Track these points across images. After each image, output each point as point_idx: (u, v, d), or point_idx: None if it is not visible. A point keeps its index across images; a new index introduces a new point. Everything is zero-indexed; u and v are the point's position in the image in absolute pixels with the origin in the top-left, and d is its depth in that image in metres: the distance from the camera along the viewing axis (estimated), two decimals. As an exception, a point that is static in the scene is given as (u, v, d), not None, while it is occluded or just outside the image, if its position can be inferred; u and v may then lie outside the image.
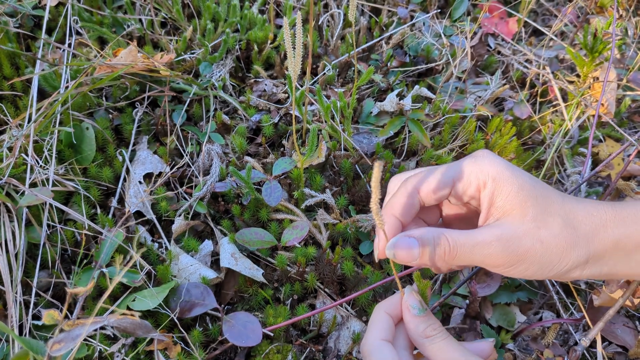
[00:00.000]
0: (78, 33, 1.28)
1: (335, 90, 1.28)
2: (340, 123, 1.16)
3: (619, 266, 0.66)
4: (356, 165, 1.15)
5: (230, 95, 1.33)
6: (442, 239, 0.64)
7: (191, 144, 1.23)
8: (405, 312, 0.71)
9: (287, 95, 1.30)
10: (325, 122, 1.15)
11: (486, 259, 0.64)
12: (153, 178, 1.16)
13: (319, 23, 1.39)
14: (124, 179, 1.14)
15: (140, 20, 1.34)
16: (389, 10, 1.47)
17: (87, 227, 1.01)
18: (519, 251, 0.63)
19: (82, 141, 1.11)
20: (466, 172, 0.67)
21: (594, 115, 1.29)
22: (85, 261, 1.00)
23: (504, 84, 1.36)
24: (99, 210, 1.07)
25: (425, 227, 0.67)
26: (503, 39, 1.50)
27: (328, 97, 1.29)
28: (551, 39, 1.46)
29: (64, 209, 0.97)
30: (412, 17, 1.43)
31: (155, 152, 1.18)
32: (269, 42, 1.33)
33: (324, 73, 1.31)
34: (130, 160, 1.16)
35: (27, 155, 1.02)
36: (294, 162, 1.09)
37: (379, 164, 0.53)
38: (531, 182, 0.65)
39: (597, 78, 1.34)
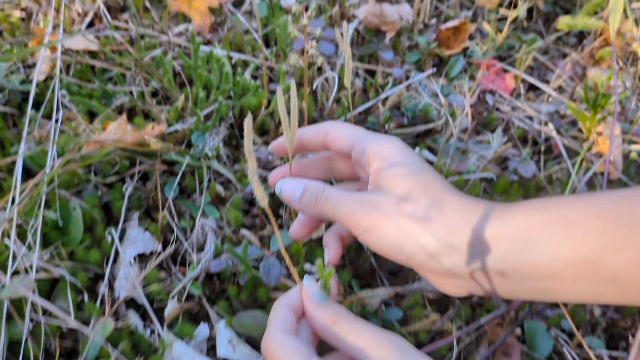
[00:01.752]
0: (66, 107, 1.24)
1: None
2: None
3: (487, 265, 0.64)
4: (358, 236, 1.09)
5: (225, 164, 1.28)
6: (319, 189, 0.72)
7: (184, 219, 1.17)
8: (307, 304, 0.70)
9: (283, 161, 1.26)
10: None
11: (347, 214, 0.68)
12: (145, 257, 1.10)
13: (314, 87, 1.36)
14: (114, 261, 1.08)
15: (130, 91, 1.31)
16: (384, 71, 1.44)
17: (73, 317, 0.94)
18: (374, 213, 0.66)
19: (69, 222, 1.06)
20: (365, 140, 0.74)
21: (602, 173, 1.24)
22: (72, 356, 0.93)
23: (506, 143, 1.33)
24: (86, 298, 1.01)
25: (315, 180, 0.75)
26: (501, 95, 1.47)
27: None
28: (548, 95, 1.43)
29: (46, 306, 0.91)
30: (407, 77, 1.40)
31: (146, 230, 1.12)
32: (263, 108, 1.30)
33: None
34: (120, 240, 1.11)
35: (9, 239, 0.97)
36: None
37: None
38: (415, 163, 0.70)
39: (601, 133, 1.31)
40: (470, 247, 0.64)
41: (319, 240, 1.09)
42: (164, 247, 1.14)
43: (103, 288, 1.03)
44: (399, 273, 1.10)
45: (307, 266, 1.00)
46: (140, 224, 1.14)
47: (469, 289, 0.68)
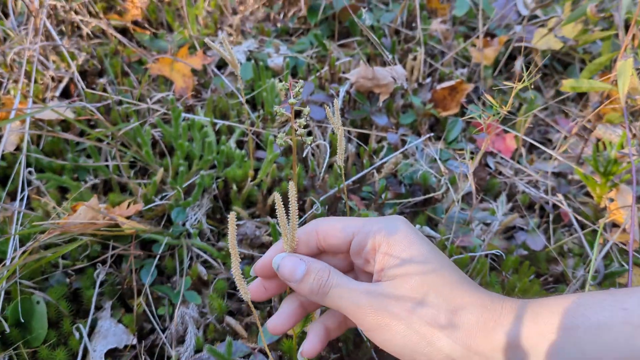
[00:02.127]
0: (34, 184, 1.14)
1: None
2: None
3: None
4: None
5: (208, 240, 1.18)
6: (324, 272, 0.65)
7: (163, 305, 1.06)
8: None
9: (271, 237, 1.16)
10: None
11: (353, 308, 0.62)
12: (118, 352, 0.98)
13: (304, 155, 1.28)
14: (83, 359, 0.96)
15: (106, 165, 1.22)
16: (378, 135, 1.36)
17: None
18: (383, 315, 0.60)
19: (31, 318, 0.94)
20: (366, 230, 0.66)
21: (622, 244, 1.15)
22: None
23: (512, 211, 1.23)
24: (49, 406, 0.89)
25: (317, 260, 0.67)
26: (502, 157, 1.39)
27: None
28: (556, 158, 1.35)
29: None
30: (403, 142, 1.32)
31: (119, 321, 1.01)
32: (250, 178, 1.20)
33: (312, 211, 1.17)
34: (90, 334, 0.99)
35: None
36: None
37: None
38: (429, 254, 0.63)
39: (613, 199, 1.22)
40: (487, 356, 0.57)
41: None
42: (140, 339, 1.02)
43: (68, 394, 0.91)
44: (402, 365, 0.99)
45: (299, 365, 0.89)
46: (113, 315, 1.02)
47: None
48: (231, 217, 0.59)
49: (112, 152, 1.22)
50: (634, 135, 1.05)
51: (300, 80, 0.87)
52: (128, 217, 1.07)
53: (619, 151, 1.08)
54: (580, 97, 1.67)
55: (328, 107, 0.87)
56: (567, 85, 1.14)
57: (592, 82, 1.10)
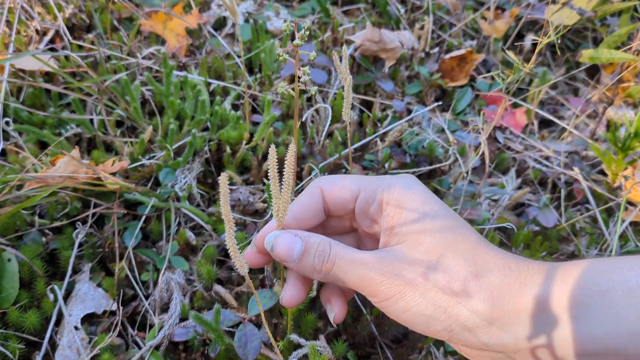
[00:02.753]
0: (15, 136, 1.06)
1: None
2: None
3: (533, 337, 0.51)
4: (355, 296, 0.91)
5: (198, 205, 1.10)
6: (325, 246, 0.57)
7: (147, 271, 0.98)
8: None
9: (266, 204, 1.08)
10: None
11: (362, 281, 0.55)
12: (96, 318, 0.91)
13: (303, 119, 1.20)
14: (56, 324, 0.88)
15: (91, 120, 1.13)
16: (382, 103, 1.28)
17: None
18: (396, 282, 0.53)
19: (2, 277, 0.86)
20: (374, 186, 0.60)
21: (634, 223, 1.09)
22: None
23: (522, 187, 1.16)
24: (17, 372, 0.81)
25: (314, 233, 0.59)
26: (512, 132, 1.32)
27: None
28: (567, 135, 1.28)
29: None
30: (409, 112, 1.25)
31: (99, 285, 0.93)
32: (244, 142, 1.12)
33: (310, 177, 1.09)
34: (67, 298, 0.91)
35: None
36: (277, 296, 0.85)
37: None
38: (442, 212, 0.57)
39: (628, 177, 1.15)
40: (512, 320, 0.52)
41: (310, 304, 0.90)
42: (121, 306, 0.94)
43: (40, 359, 0.83)
44: (404, 341, 0.92)
45: (294, 337, 0.81)
46: (93, 278, 0.95)
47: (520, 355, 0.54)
48: (223, 178, 0.49)
49: (97, 108, 1.14)
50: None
51: (306, 21, 0.79)
52: (113, 175, 0.99)
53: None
54: (591, 77, 1.61)
55: (335, 56, 0.79)
56: (586, 55, 1.06)
57: (612, 52, 1.02)
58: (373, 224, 0.63)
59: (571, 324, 0.50)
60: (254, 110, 1.26)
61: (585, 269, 0.51)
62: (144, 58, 1.24)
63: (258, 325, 0.91)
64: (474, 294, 0.52)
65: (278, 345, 0.81)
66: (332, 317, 0.66)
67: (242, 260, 0.54)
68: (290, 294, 0.64)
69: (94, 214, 0.98)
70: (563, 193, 1.14)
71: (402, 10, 1.53)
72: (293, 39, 1.54)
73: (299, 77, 0.81)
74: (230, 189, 1.10)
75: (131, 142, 1.10)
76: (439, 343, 0.88)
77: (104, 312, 0.91)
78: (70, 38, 1.22)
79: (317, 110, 1.24)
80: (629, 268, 0.50)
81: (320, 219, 0.65)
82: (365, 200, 0.61)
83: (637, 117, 1.07)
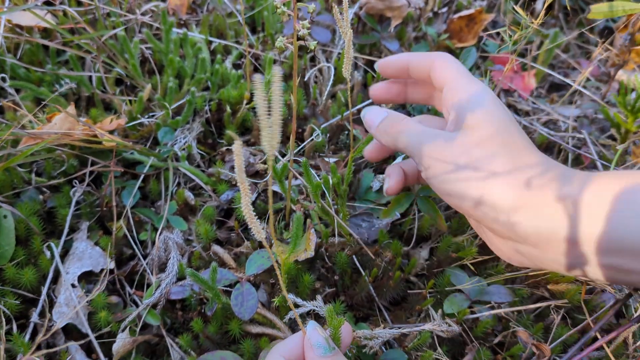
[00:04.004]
0: (10, 94, 1.04)
1: (326, 160, 1.05)
2: (334, 202, 0.92)
3: (560, 229, 0.55)
4: (354, 258, 0.90)
5: (198, 166, 1.09)
6: (399, 117, 0.71)
7: (145, 230, 0.97)
8: (308, 353, 0.61)
9: (266, 165, 1.06)
10: (315, 202, 0.91)
11: (416, 147, 0.65)
12: (94, 277, 0.90)
13: (305, 79, 1.17)
14: (53, 281, 0.88)
15: (89, 78, 1.11)
16: (387, 64, 1.25)
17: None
18: (444, 153, 0.61)
19: (-2, 233, 0.86)
20: (423, 64, 0.74)
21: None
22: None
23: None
24: (15, 328, 0.81)
25: (401, 113, 0.72)
26: (520, 96, 1.28)
27: (318, 168, 1.05)
28: (578, 94, 1.25)
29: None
30: (414, 72, 1.21)
31: (96, 244, 0.92)
32: (245, 102, 1.10)
33: (312, 139, 1.07)
34: (64, 255, 0.91)
35: None
36: (272, 258, 0.84)
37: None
38: (502, 114, 0.63)
39: (637, 142, 1.12)
40: (540, 208, 0.56)
41: (308, 264, 0.89)
42: (118, 264, 0.94)
43: (36, 315, 0.83)
44: (403, 304, 0.91)
45: (291, 297, 0.80)
46: (90, 237, 0.94)
47: (530, 258, 0.61)
48: (237, 146, 0.49)
49: (96, 66, 1.11)
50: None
51: None
52: (110, 133, 0.97)
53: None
54: (604, 41, 1.56)
55: (336, 10, 0.76)
56: (596, 11, 1.02)
57: (627, 3, 0.98)
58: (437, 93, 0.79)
59: (598, 222, 0.53)
60: (256, 70, 1.23)
61: (619, 175, 0.55)
62: (143, 14, 1.21)
63: (256, 285, 0.91)
64: (509, 174, 0.58)
65: (273, 302, 0.81)
66: (386, 187, 0.81)
67: (258, 227, 0.53)
68: (370, 148, 0.84)
69: (91, 173, 0.97)
70: (570, 157, 1.12)
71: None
72: (297, -2, 1.49)
73: (299, 31, 0.78)
74: (230, 149, 1.08)
75: (130, 100, 1.08)
76: (437, 305, 0.87)
77: (102, 270, 0.90)
78: (68, -7, 1.19)
79: (320, 70, 1.21)
80: None
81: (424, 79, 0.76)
82: (418, 71, 0.76)
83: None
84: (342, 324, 0.61)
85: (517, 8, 0.79)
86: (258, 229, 0.54)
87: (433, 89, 0.80)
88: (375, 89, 0.84)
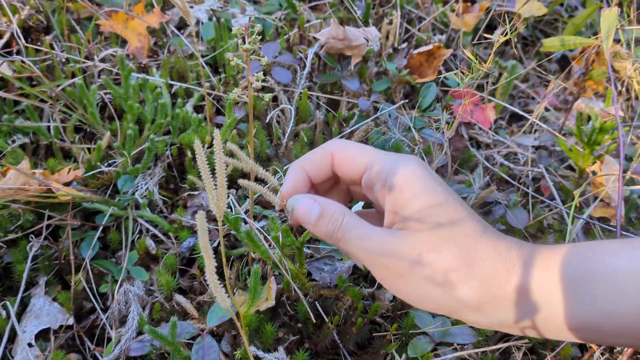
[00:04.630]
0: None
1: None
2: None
3: (518, 318, 0.56)
4: (317, 304, 0.89)
5: (161, 212, 1.08)
6: (339, 216, 0.62)
7: (106, 282, 0.96)
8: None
9: (230, 209, 1.06)
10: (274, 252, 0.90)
11: (365, 258, 0.60)
12: (53, 334, 0.88)
13: (267, 120, 1.17)
14: (10, 341, 0.85)
15: (48, 127, 1.10)
16: (349, 102, 1.26)
17: None
18: (397, 265, 0.58)
19: (-50, 294, 0.84)
20: (380, 167, 0.62)
21: (600, 219, 1.08)
22: None
23: (490, 185, 1.15)
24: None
25: (333, 201, 0.63)
26: (481, 129, 1.30)
27: (282, 210, 1.04)
28: (535, 129, 1.27)
29: None
30: (375, 109, 1.23)
31: (55, 299, 0.90)
32: (207, 145, 1.10)
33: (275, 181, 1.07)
34: (21, 313, 0.88)
35: None
36: (228, 300, 0.83)
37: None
38: (446, 202, 0.59)
39: (595, 172, 1.14)
40: (498, 306, 0.57)
41: (271, 312, 0.89)
42: (78, 319, 0.92)
43: (-9, 380, 0.81)
44: (369, 347, 0.91)
45: (252, 350, 0.79)
46: (49, 292, 0.92)
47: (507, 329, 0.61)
48: (200, 216, 0.49)
49: (54, 115, 1.10)
50: (620, 93, 0.97)
51: (257, 25, 0.77)
52: (67, 184, 0.96)
53: (604, 110, 0.99)
54: (562, 69, 1.59)
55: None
56: (550, 44, 1.05)
57: (577, 38, 1.01)
58: (377, 199, 0.66)
59: (552, 308, 0.54)
60: (218, 112, 1.23)
61: (567, 256, 0.55)
62: (102, 60, 1.21)
63: (219, 335, 0.89)
64: (464, 283, 0.57)
65: (235, 356, 0.80)
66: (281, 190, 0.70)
67: (224, 295, 0.52)
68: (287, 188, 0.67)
69: (48, 226, 0.96)
70: (531, 190, 1.13)
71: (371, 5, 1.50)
72: (261, 39, 1.51)
73: (252, 83, 0.78)
74: (192, 195, 1.08)
75: (89, 148, 1.07)
76: (402, 348, 0.86)
77: (61, 327, 0.89)
78: (24, 41, 1.18)
79: (282, 111, 1.22)
80: (607, 255, 0.54)
81: (329, 177, 0.68)
82: (370, 180, 0.64)
83: (606, 104, 1.06)
84: None
85: (466, 52, 0.80)
86: (222, 297, 0.54)
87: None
88: None
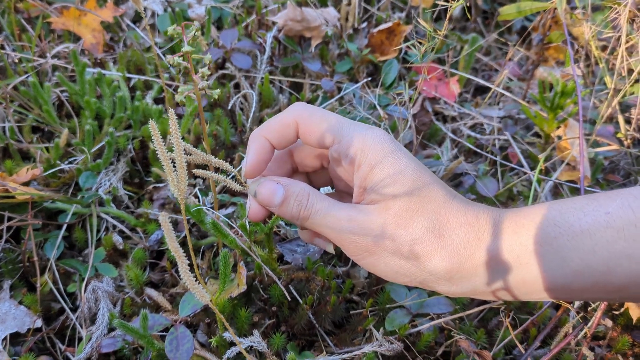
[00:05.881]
0: None
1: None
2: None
3: (491, 284, 0.57)
4: (290, 287, 0.88)
5: (127, 207, 1.05)
6: (304, 196, 0.61)
7: (74, 282, 0.93)
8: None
9: (196, 198, 1.04)
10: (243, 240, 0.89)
11: (333, 235, 0.60)
12: (22, 337, 0.86)
13: (229, 107, 1.15)
14: (-25, 348, 0.83)
15: (3, 128, 1.06)
16: (312, 84, 1.25)
17: None
18: (365, 241, 0.58)
19: None
20: (346, 141, 0.60)
21: (567, 181, 1.08)
22: None
23: (458, 157, 1.15)
24: None
25: (296, 180, 0.63)
26: (446, 102, 1.30)
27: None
28: (500, 99, 1.27)
29: None
30: (339, 89, 1.21)
31: (21, 302, 0.88)
32: (169, 136, 1.07)
33: (241, 167, 1.05)
34: (-14, 319, 0.86)
35: None
36: (207, 296, 0.81)
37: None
38: (410, 172, 0.58)
39: (561, 136, 1.15)
40: (471, 274, 0.57)
41: (245, 298, 0.87)
42: (48, 321, 0.90)
43: (-42, 389, 0.78)
44: (346, 325, 0.90)
45: (226, 334, 0.78)
46: (14, 296, 0.89)
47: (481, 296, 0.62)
48: (162, 218, 0.48)
49: (9, 116, 1.07)
50: (579, 59, 0.98)
51: (195, 23, 0.74)
52: (26, 184, 0.93)
53: (563, 70, 1.00)
54: (523, 40, 1.60)
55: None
56: (507, 12, 1.05)
57: (534, 2, 1.01)
58: (346, 173, 0.65)
59: (522, 270, 0.55)
60: (178, 104, 1.21)
61: (534, 219, 0.56)
62: (54, 57, 1.17)
63: (194, 325, 0.88)
64: (435, 255, 0.57)
65: (211, 343, 0.78)
66: (330, 247, 0.68)
67: (201, 291, 0.51)
68: (254, 209, 0.66)
69: (9, 228, 0.93)
70: (499, 158, 1.13)
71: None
72: (218, 27, 1.48)
73: (198, 83, 0.75)
74: (157, 187, 1.05)
75: (47, 148, 1.04)
76: (380, 323, 0.86)
77: (29, 330, 0.86)
78: (-27, 43, 1.14)
79: (244, 97, 1.20)
80: (573, 213, 0.54)
81: (293, 143, 0.66)
82: (337, 153, 0.62)
83: (566, 63, 1.06)
84: None
85: (421, 20, 0.79)
86: (201, 293, 0.53)
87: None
88: None
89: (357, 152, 0.59)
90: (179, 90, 0.72)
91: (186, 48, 0.70)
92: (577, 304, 0.85)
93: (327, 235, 0.61)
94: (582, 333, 0.79)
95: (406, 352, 0.85)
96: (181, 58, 0.71)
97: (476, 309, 0.88)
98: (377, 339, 0.81)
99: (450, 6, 0.79)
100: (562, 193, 1.07)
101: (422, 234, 0.57)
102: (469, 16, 1.50)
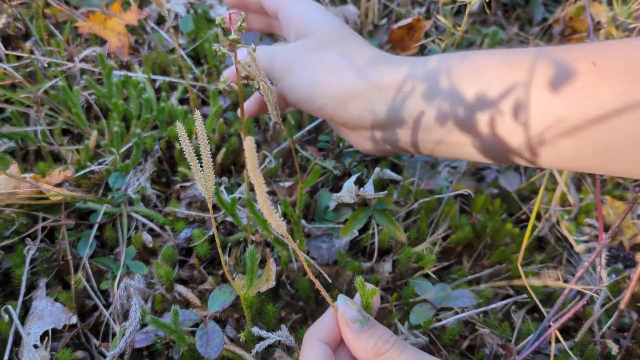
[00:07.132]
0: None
1: (281, 185, 1.05)
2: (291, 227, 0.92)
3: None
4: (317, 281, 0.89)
5: (155, 206, 1.08)
6: (267, 50, 0.77)
7: (106, 279, 0.96)
8: (344, 331, 0.59)
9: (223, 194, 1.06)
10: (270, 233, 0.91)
11: (267, 61, 0.75)
12: (58, 333, 0.89)
13: (253, 106, 1.17)
14: (15, 344, 0.86)
15: (35, 132, 1.10)
16: (333, 81, 1.26)
17: None
18: (288, 58, 0.73)
19: (-49, 303, 0.84)
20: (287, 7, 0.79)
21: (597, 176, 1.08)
22: None
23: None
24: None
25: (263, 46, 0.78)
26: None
27: (274, 193, 1.05)
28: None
29: None
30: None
31: (56, 300, 0.91)
32: (195, 136, 1.10)
33: (265, 166, 1.08)
34: (25, 316, 0.89)
35: None
36: (236, 291, 0.83)
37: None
38: (333, 20, 0.75)
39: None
40: (373, 93, 0.68)
41: (272, 294, 0.89)
42: (82, 317, 0.93)
43: (0, 383, 0.81)
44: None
45: (255, 330, 0.80)
46: (50, 293, 0.92)
47: (376, 143, 0.74)
48: (248, 142, 0.44)
49: (40, 119, 1.10)
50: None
51: (242, 13, 0.76)
52: (59, 186, 0.96)
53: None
54: (544, 33, 1.59)
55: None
56: None
57: None
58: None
59: (414, 108, 0.67)
60: (203, 103, 1.23)
61: (408, 61, 0.69)
62: (84, 61, 1.20)
63: (223, 320, 0.90)
64: (343, 68, 0.69)
65: (240, 338, 0.80)
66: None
67: (279, 220, 0.47)
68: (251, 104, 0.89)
69: (44, 228, 0.96)
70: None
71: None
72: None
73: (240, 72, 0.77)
74: (184, 186, 1.08)
75: (77, 149, 1.07)
76: (405, 317, 0.87)
77: (65, 326, 0.89)
78: (4, 49, 1.18)
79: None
80: (422, 62, 0.68)
81: None
82: (254, 4, 0.86)
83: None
84: (375, 294, 0.60)
85: (440, 16, 0.80)
86: (278, 222, 0.47)
87: (270, 17, 0.89)
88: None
89: (294, 14, 0.78)
90: (221, 79, 0.74)
91: (233, 36, 0.71)
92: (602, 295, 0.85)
93: (263, 63, 0.74)
94: (606, 325, 0.80)
95: (432, 345, 0.86)
96: (226, 47, 0.73)
97: (500, 303, 0.88)
98: (402, 333, 0.83)
99: (470, 2, 0.80)
100: (586, 187, 1.07)
101: (331, 57, 0.70)
102: (487, 11, 1.49)
